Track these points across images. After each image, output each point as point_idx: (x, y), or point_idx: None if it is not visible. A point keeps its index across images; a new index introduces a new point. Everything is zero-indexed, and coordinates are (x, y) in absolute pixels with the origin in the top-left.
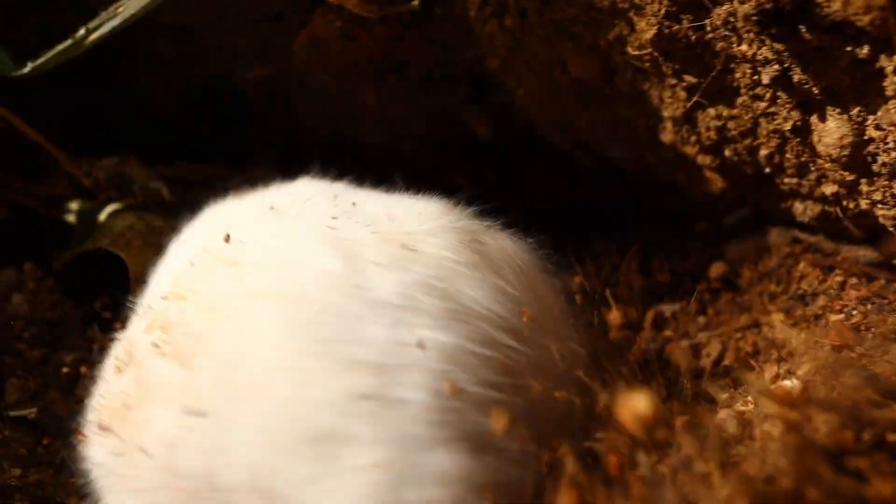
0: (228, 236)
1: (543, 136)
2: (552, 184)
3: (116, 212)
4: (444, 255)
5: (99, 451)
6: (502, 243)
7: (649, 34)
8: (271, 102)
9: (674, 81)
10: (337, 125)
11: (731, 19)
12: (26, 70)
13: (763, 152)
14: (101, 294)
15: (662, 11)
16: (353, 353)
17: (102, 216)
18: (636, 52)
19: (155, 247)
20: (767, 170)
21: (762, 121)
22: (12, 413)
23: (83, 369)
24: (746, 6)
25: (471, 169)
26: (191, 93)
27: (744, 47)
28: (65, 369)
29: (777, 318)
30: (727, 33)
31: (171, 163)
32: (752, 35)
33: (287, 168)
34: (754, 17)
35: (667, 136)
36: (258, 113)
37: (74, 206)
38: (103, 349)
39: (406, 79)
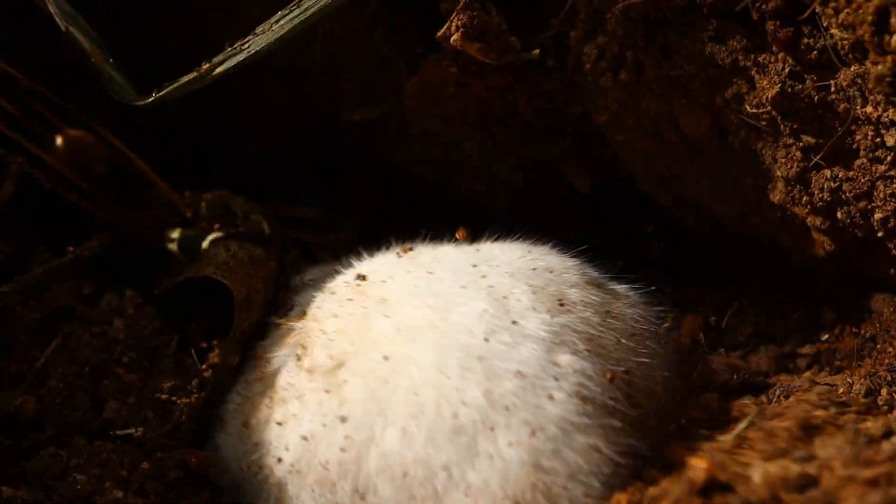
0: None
1: (644, 192)
2: (650, 239)
3: (218, 240)
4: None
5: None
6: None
7: (771, 93)
8: (370, 146)
9: (790, 141)
10: (435, 172)
11: (860, 80)
12: (150, 100)
13: (878, 216)
14: (198, 323)
15: (787, 70)
16: (501, 366)
17: (205, 244)
18: (753, 111)
19: (256, 276)
20: (880, 234)
21: (880, 184)
22: (114, 433)
23: (181, 399)
24: (880, 67)
25: (567, 222)
26: (293, 134)
27: (868, 109)
28: (162, 396)
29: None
30: (853, 94)
31: (267, 201)
32: (880, 97)
33: (382, 211)
34: (888, 79)
35: (777, 195)
36: (357, 156)
37: (175, 234)
38: (200, 379)
39: (510, 129)
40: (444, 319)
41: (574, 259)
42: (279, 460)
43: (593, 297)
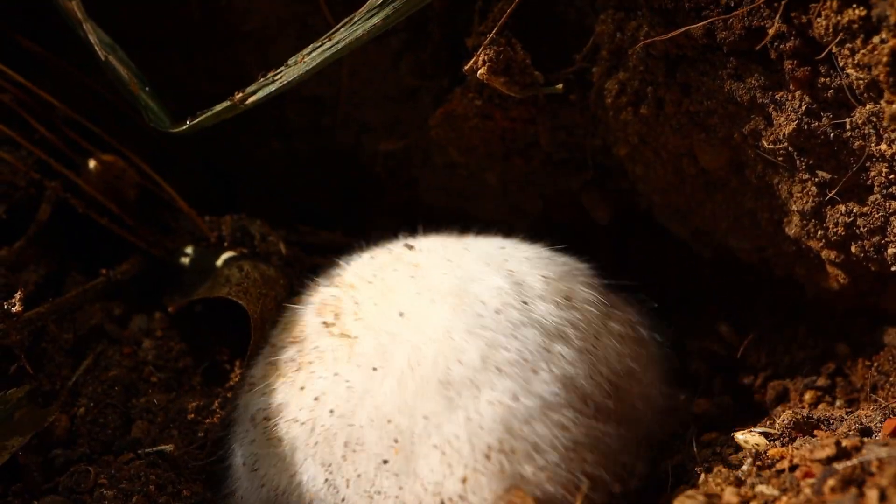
0: (412, 245)
1: (661, 224)
2: (666, 270)
3: (232, 259)
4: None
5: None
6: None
7: (787, 129)
8: (393, 175)
9: (806, 176)
10: (456, 201)
11: (874, 119)
12: (184, 128)
13: (891, 250)
14: (221, 344)
15: (803, 108)
16: (503, 339)
17: (219, 262)
18: (771, 147)
19: (269, 296)
20: (894, 268)
21: (894, 219)
22: (144, 451)
23: (206, 420)
24: (895, 106)
25: (585, 251)
26: (316, 162)
27: (883, 146)
28: (188, 416)
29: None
30: (868, 132)
31: (291, 226)
32: (894, 135)
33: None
34: None
35: (792, 229)
36: (380, 185)
37: (188, 249)
38: (223, 398)
39: (531, 160)
40: (465, 289)
41: (586, 265)
42: (295, 420)
43: (597, 300)
